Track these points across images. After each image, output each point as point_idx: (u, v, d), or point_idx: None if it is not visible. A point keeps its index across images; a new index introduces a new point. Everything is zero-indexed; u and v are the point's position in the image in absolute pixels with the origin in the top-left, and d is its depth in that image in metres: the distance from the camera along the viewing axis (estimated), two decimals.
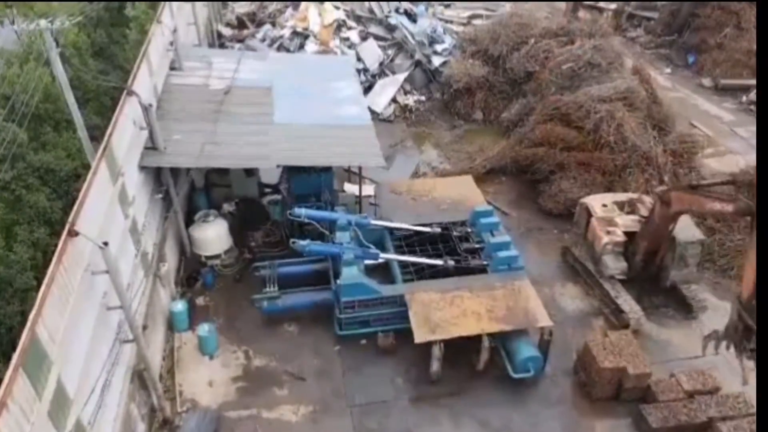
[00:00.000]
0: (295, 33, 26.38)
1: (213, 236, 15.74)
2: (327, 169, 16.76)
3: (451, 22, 29.64)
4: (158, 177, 14.77)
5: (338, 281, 13.35)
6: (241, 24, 30.60)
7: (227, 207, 17.41)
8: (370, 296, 13.42)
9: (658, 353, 13.66)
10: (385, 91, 23.68)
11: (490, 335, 12.84)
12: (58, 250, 8.65)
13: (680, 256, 13.92)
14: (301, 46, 25.67)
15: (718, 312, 14.78)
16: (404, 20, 25.54)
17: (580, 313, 15.00)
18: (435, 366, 12.77)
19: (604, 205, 15.59)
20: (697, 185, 12.49)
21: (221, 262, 15.99)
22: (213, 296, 15.28)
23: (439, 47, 24.38)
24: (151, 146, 14.15)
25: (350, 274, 13.28)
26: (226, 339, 14.11)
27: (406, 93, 24.23)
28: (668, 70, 27.74)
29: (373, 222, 14.93)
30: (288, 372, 13.37)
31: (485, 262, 14.31)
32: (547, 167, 17.98)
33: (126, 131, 12.88)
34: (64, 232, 8.97)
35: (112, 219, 11.24)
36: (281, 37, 26.50)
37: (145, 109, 13.56)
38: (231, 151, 14.92)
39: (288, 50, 25.38)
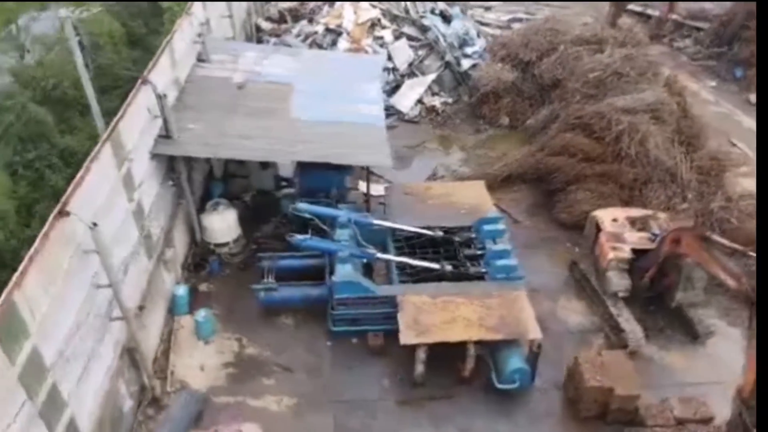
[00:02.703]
0: (328, 30, 26.69)
1: (222, 225, 16.15)
2: (339, 167, 16.88)
3: (489, 25, 29.36)
4: (171, 165, 15.25)
5: (332, 278, 13.48)
6: (282, 19, 31.18)
7: (245, 197, 17.84)
8: (363, 295, 13.49)
9: (656, 377, 13.16)
10: (412, 92, 23.65)
11: (479, 343, 12.71)
12: (46, 228, 9.11)
13: (687, 278, 13.36)
14: (334, 43, 25.96)
15: (727, 339, 14.14)
16: (438, 21, 25.43)
17: (581, 329, 14.60)
18: (419, 369, 12.73)
19: (615, 220, 15.13)
20: (709, 237, 11.87)
21: (229, 251, 16.38)
22: (217, 283, 15.69)
23: (469, 50, 24.15)
24: (165, 134, 14.64)
25: (344, 271, 13.39)
26: (224, 326, 14.47)
27: (433, 94, 24.12)
28: (713, 84, 26.54)
29: (375, 221, 14.99)
30: (278, 363, 13.61)
31: (484, 270, 14.15)
32: (565, 177, 17.57)
33: (138, 118, 13.36)
34: (54, 211, 9.44)
35: (114, 201, 11.73)
36: (315, 33, 26.87)
37: (159, 98, 14.04)
38: (243, 143, 15.28)
39: (320, 47, 25.71)
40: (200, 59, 18.78)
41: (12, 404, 8.02)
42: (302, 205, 14.34)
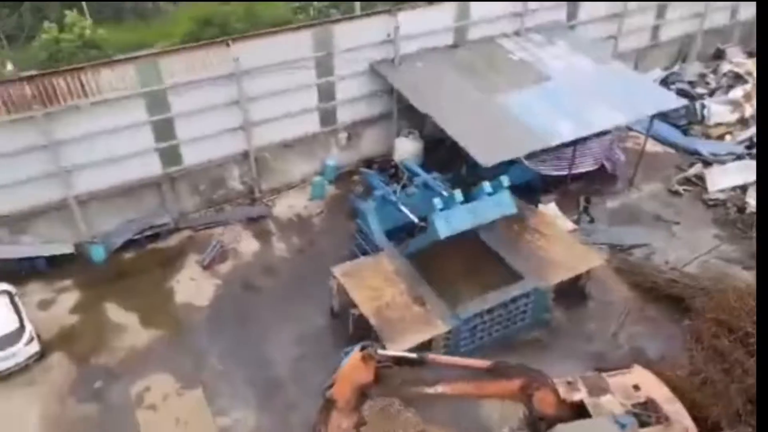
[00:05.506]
0: (737, 76, 22.54)
1: (401, 148, 19.48)
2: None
3: None
4: (391, 85, 18.84)
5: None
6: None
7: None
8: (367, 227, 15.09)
9: None
10: (734, 175, 18.71)
11: None
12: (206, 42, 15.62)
13: None
14: (730, 87, 22.15)
15: None
16: None
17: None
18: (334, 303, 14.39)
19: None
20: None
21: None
22: (363, 181, 19.40)
23: None
24: (392, 59, 18.55)
25: (368, 204, 15.19)
26: (328, 207, 18.56)
27: None
28: None
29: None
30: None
31: None
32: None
33: (367, 34, 17.88)
34: (220, 39, 15.74)
35: (298, 66, 17.21)
36: (725, 74, 23.07)
37: (394, 29, 17.89)
38: (428, 94, 17.46)
39: (708, 85, 22.35)
40: (516, 33, 20.79)
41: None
42: (407, 163, 16.92)
